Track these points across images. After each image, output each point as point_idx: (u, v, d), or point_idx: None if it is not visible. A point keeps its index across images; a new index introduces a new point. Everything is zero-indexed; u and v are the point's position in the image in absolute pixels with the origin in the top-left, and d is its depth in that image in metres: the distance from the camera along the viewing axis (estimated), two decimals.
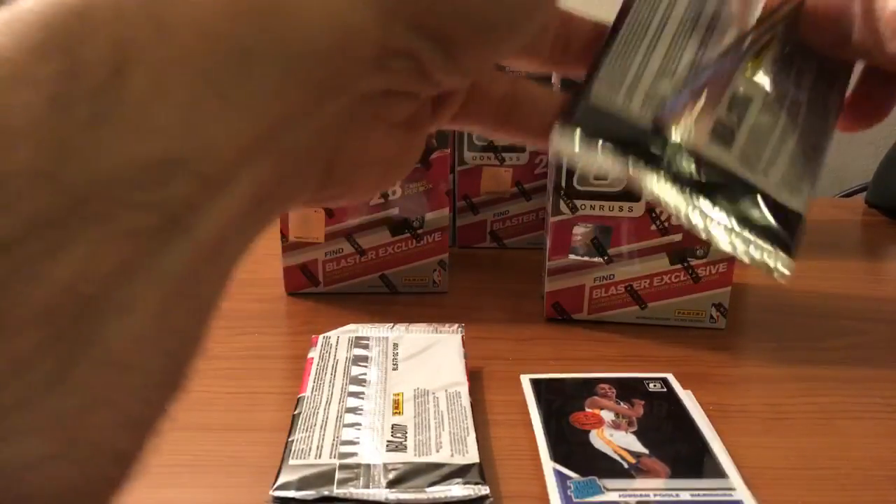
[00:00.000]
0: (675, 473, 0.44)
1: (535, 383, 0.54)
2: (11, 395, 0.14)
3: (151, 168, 0.15)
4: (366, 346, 0.55)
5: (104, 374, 0.15)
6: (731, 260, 0.61)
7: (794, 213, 0.25)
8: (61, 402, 0.15)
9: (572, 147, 0.24)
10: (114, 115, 0.15)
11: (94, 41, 0.15)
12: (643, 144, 0.24)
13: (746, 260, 0.24)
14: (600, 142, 0.24)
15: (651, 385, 0.53)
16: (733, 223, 0.24)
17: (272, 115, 0.17)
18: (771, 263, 0.24)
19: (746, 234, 0.24)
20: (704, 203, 0.24)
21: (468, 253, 0.79)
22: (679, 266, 0.62)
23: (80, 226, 0.15)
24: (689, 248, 0.61)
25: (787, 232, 0.24)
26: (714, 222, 0.24)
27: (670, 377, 0.54)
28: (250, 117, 0.16)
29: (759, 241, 0.24)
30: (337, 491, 0.41)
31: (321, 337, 0.57)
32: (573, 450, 0.46)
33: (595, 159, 0.24)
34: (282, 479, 0.41)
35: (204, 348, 0.18)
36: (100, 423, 0.15)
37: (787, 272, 0.24)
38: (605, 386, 0.53)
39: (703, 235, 0.24)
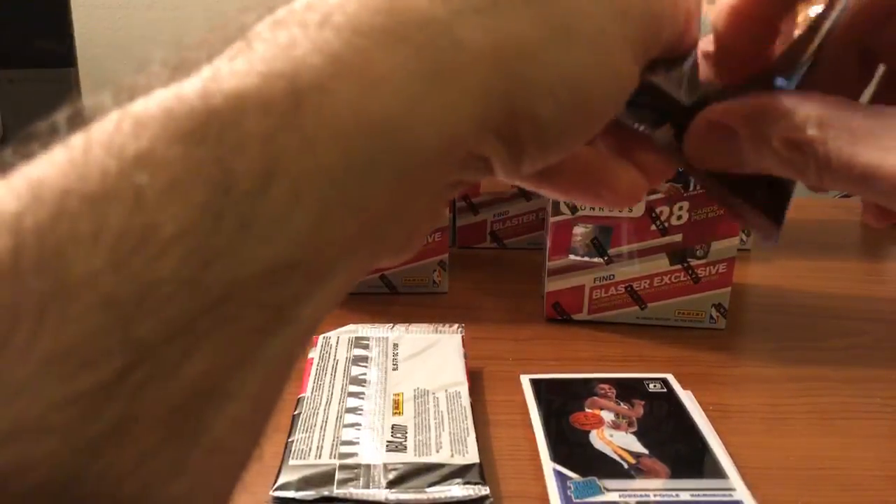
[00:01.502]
0: (675, 473, 0.44)
1: (535, 383, 0.54)
2: (134, 485, 0.15)
3: (278, 271, 0.16)
4: (366, 346, 0.55)
5: (210, 461, 0.16)
6: (731, 260, 0.61)
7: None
8: (176, 490, 0.16)
9: None
10: (256, 223, 0.16)
11: (247, 154, 0.16)
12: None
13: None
14: None
15: (651, 385, 0.53)
16: None
17: (377, 214, 0.18)
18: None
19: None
20: None
21: (468, 253, 0.78)
22: (679, 266, 0.62)
23: (212, 327, 0.16)
24: (689, 248, 0.61)
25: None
26: None
27: (670, 377, 0.54)
28: (360, 218, 0.18)
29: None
30: (337, 491, 0.41)
31: (321, 337, 0.57)
32: (573, 450, 0.46)
33: None
34: (282, 480, 0.41)
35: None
36: None
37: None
38: (605, 386, 0.53)
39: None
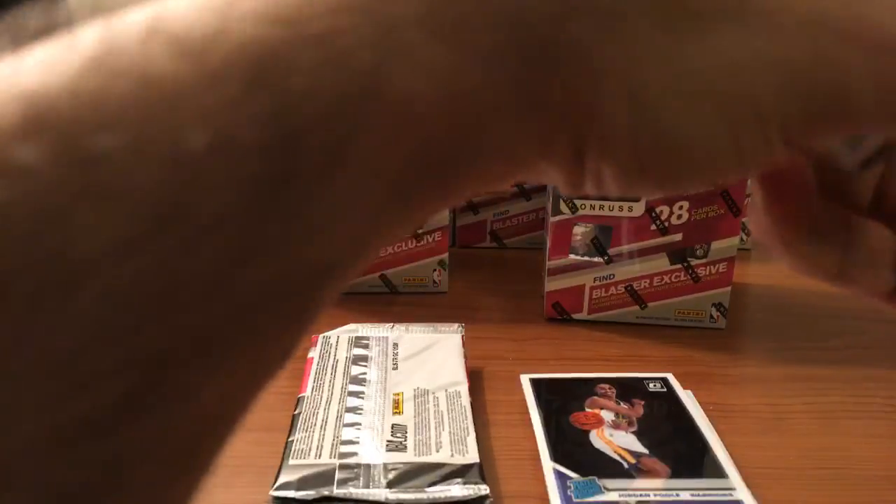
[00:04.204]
0: (675, 473, 0.44)
1: (535, 383, 0.53)
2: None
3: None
4: (366, 346, 0.55)
5: None
6: (731, 259, 0.61)
7: None
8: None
9: None
10: (306, 215, 0.14)
11: (317, 130, 0.14)
12: None
13: None
14: None
15: (651, 385, 0.53)
16: None
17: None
18: None
19: None
20: None
21: (468, 253, 0.78)
22: (679, 266, 0.62)
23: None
24: (689, 247, 0.61)
25: None
26: None
27: (670, 377, 0.54)
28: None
29: None
30: (337, 491, 0.41)
31: (321, 337, 0.57)
32: (573, 450, 0.46)
33: None
34: (282, 479, 0.41)
35: None
36: None
37: None
38: (605, 386, 0.53)
39: None
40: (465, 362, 0.54)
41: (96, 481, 0.12)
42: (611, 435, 0.48)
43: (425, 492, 0.41)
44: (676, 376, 0.54)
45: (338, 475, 0.42)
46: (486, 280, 0.73)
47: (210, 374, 0.13)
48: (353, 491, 0.41)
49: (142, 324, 0.12)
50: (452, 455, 0.44)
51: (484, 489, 0.41)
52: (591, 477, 0.44)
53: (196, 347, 0.13)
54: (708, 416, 0.50)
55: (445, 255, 0.68)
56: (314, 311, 0.16)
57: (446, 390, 0.50)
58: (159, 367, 0.13)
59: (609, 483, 0.43)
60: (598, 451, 0.46)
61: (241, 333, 0.14)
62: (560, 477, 0.44)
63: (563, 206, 0.61)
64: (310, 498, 0.41)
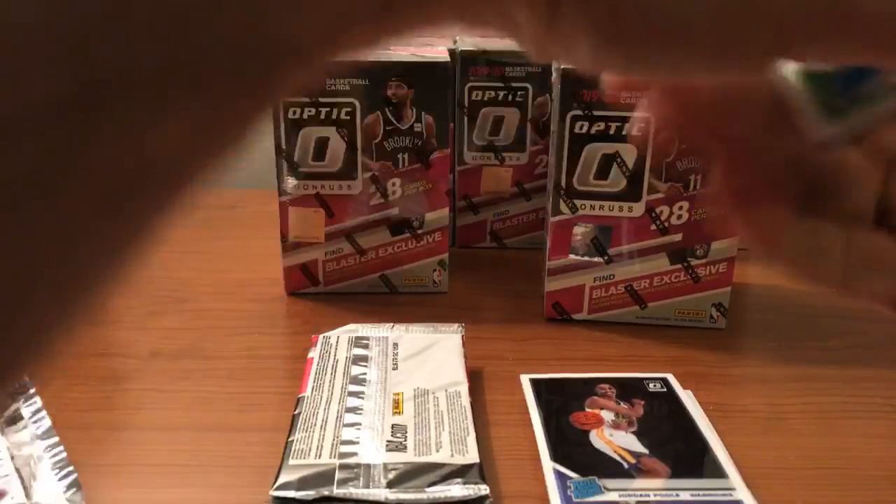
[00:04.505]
0: (675, 473, 0.44)
1: (535, 383, 0.54)
2: None
3: None
4: (366, 346, 0.55)
5: None
6: (731, 259, 0.61)
7: None
8: None
9: None
10: None
11: None
12: None
13: None
14: None
15: (651, 385, 0.53)
16: None
17: None
18: None
19: None
20: None
21: (468, 253, 0.78)
22: (679, 266, 0.62)
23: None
24: (689, 248, 0.61)
25: None
26: None
27: (670, 377, 0.54)
28: None
29: None
30: (337, 491, 0.41)
31: (321, 337, 0.57)
32: (573, 450, 0.46)
33: None
34: (282, 479, 0.41)
35: None
36: None
37: None
38: (605, 386, 0.53)
39: None
40: (465, 362, 0.54)
41: (16, 194, 0.12)
42: (611, 435, 0.48)
43: (425, 492, 0.41)
44: (676, 376, 0.54)
45: (338, 475, 0.42)
46: (486, 280, 0.73)
47: (155, 115, 0.13)
48: (353, 491, 0.41)
49: (91, 43, 0.12)
50: (452, 455, 0.44)
51: (484, 489, 0.41)
52: (591, 477, 0.44)
53: (143, 80, 0.13)
54: (708, 416, 0.50)
55: (445, 255, 0.68)
56: (272, 89, 0.15)
57: (446, 390, 0.50)
58: (103, 88, 0.12)
59: (609, 483, 0.43)
60: (598, 451, 0.46)
61: (192, 81, 0.13)
62: (560, 477, 0.44)
63: (563, 206, 0.61)
64: (310, 498, 0.41)
